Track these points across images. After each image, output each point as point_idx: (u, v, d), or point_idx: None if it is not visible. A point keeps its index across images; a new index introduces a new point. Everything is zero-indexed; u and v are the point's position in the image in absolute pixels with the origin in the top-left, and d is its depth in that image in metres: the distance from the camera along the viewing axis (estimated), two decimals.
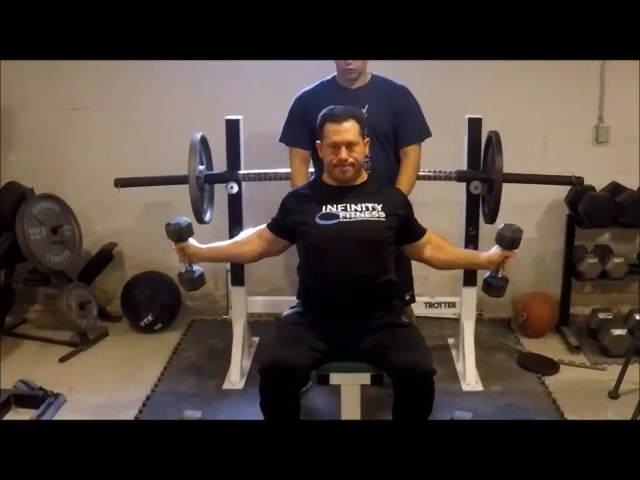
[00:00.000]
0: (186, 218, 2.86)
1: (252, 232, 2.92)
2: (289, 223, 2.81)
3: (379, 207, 2.74)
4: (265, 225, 2.88)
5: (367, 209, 2.73)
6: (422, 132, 3.24)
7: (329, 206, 2.74)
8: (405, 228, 2.80)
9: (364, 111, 3.09)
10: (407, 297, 3.38)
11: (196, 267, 2.91)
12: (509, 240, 2.78)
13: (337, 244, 2.70)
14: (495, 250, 2.82)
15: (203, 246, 2.90)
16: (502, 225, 2.83)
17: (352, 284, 2.70)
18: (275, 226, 2.85)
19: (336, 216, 2.72)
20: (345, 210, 2.73)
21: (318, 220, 2.73)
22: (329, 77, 3.28)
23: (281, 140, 3.30)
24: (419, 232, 2.85)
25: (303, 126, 3.19)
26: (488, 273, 2.88)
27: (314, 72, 3.37)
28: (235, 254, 2.97)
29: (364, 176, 2.84)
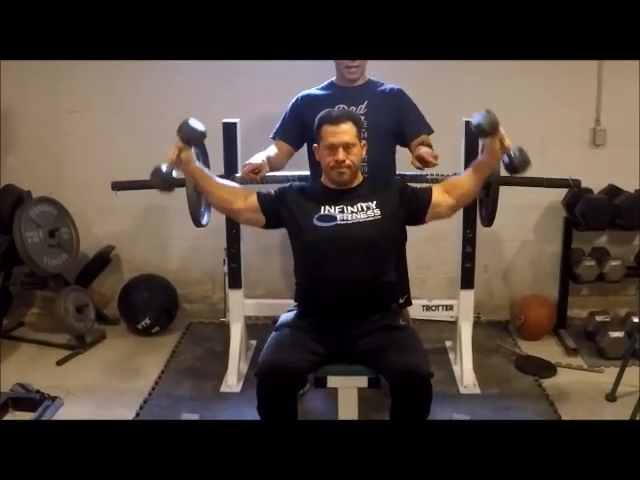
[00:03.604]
0: (203, 128, 2.76)
1: (242, 190, 2.89)
2: (283, 213, 2.80)
3: (373, 205, 2.75)
4: (255, 193, 2.85)
5: (362, 209, 2.74)
6: (427, 126, 3.27)
7: (327, 207, 2.75)
8: (413, 209, 2.81)
9: (363, 106, 3.18)
10: (401, 300, 3.37)
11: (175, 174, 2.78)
12: (486, 126, 2.68)
13: (334, 247, 2.70)
14: (486, 142, 2.77)
15: (197, 164, 2.83)
16: (473, 120, 2.73)
17: (349, 287, 2.70)
18: (266, 202, 2.82)
19: (334, 218, 2.73)
20: (342, 212, 2.74)
21: (316, 222, 2.73)
22: (326, 82, 3.33)
23: (272, 137, 3.34)
24: (426, 198, 2.80)
25: (293, 123, 3.28)
26: (503, 162, 2.76)
27: (312, 75, 3.38)
28: (215, 193, 2.85)
29: (360, 178, 2.85)
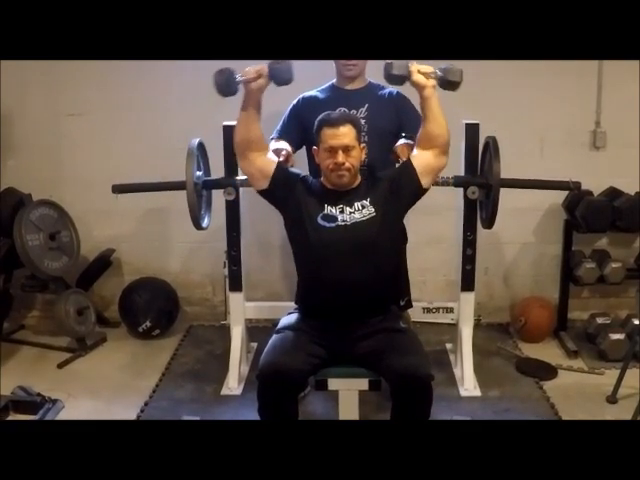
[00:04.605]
0: (293, 77, 2.75)
1: (267, 149, 2.89)
2: (289, 201, 2.81)
3: (367, 202, 2.77)
4: (276, 162, 2.86)
5: (358, 209, 2.76)
6: None
7: (329, 207, 2.76)
8: (408, 189, 2.82)
9: (364, 110, 3.21)
10: (402, 303, 3.38)
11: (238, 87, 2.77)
12: (397, 71, 2.72)
13: (336, 250, 2.71)
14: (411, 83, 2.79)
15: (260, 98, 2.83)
16: (385, 78, 2.80)
17: (350, 290, 2.70)
18: (280, 178, 2.82)
19: (335, 219, 2.74)
20: (342, 213, 2.75)
21: (320, 220, 2.74)
22: (326, 85, 3.36)
23: (272, 137, 3.34)
24: (410, 172, 2.81)
25: (293, 124, 3.31)
26: (439, 85, 2.80)
27: (312, 78, 3.38)
28: (249, 130, 2.80)
29: (359, 179, 2.85)
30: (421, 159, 2.82)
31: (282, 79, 2.73)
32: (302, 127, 3.24)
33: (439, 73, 2.74)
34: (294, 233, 2.85)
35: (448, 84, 2.76)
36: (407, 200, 2.85)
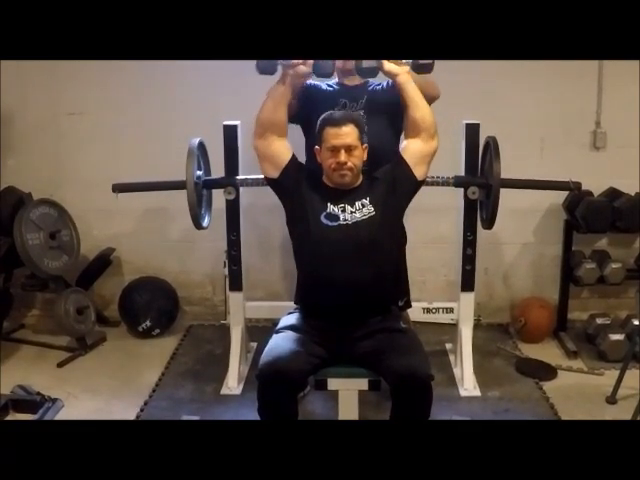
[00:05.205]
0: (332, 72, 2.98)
1: (285, 137, 2.90)
2: (295, 197, 2.82)
3: (367, 201, 2.78)
4: (292, 154, 2.87)
5: (359, 208, 2.77)
6: None
7: (331, 206, 2.77)
8: (405, 185, 2.84)
9: (363, 102, 3.19)
10: (401, 303, 3.37)
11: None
12: (368, 64, 2.89)
13: (337, 249, 2.71)
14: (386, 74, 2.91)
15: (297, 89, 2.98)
16: (362, 75, 3.02)
17: (350, 290, 2.71)
18: (291, 172, 2.84)
19: (337, 217, 2.75)
20: (344, 212, 2.76)
21: (323, 219, 2.75)
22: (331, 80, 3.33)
23: None
24: (403, 167, 2.84)
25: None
26: (413, 70, 2.90)
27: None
28: (276, 112, 2.86)
29: (360, 179, 2.85)
30: (411, 149, 2.85)
31: (324, 72, 2.86)
32: (300, 105, 3.19)
33: (406, 61, 2.82)
34: (296, 229, 2.85)
35: (421, 67, 2.84)
36: (405, 196, 2.86)
